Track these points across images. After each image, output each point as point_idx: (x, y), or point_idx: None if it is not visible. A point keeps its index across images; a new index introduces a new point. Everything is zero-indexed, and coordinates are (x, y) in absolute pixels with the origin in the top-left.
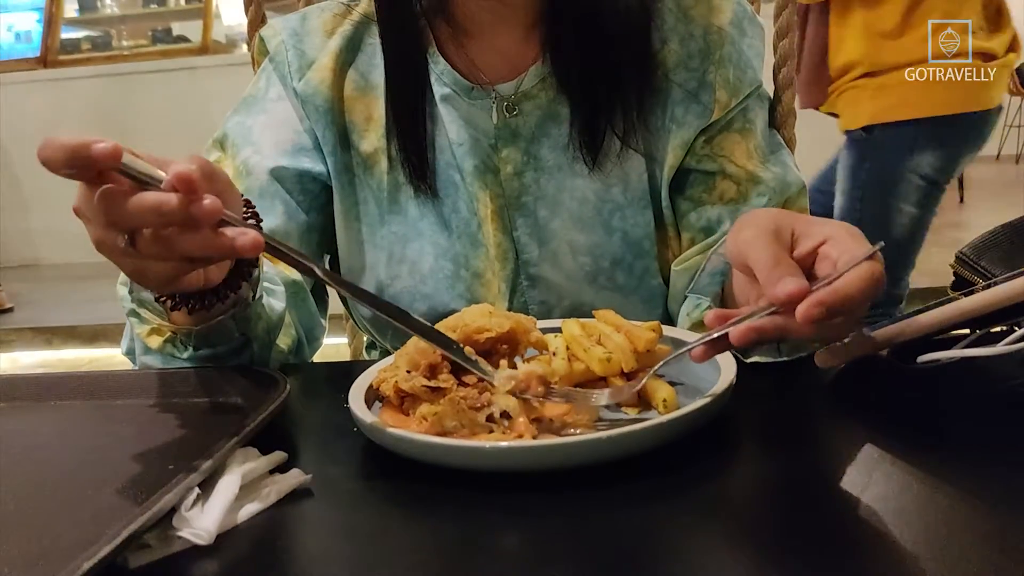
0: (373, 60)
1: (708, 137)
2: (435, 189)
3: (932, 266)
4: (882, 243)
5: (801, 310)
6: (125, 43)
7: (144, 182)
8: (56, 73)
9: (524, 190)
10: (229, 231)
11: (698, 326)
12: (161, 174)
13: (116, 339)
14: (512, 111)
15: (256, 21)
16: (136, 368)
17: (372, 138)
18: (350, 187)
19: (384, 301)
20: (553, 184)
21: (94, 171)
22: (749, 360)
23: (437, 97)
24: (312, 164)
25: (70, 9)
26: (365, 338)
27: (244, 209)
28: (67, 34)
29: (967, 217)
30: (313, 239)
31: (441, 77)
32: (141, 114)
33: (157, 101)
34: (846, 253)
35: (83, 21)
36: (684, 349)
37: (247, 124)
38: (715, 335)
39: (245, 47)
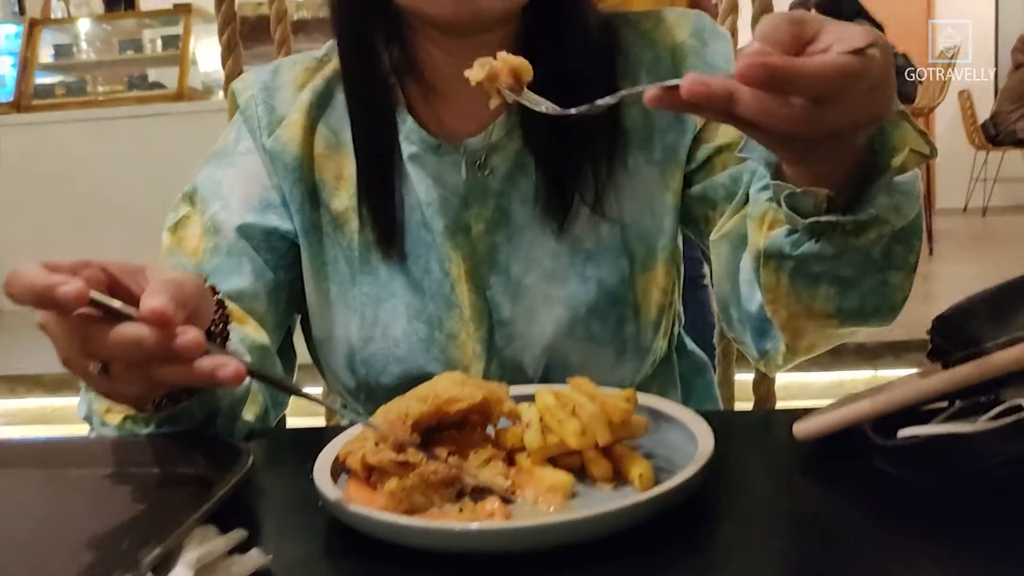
0: (345, 117)
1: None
2: (404, 252)
3: (903, 319)
4: (878, 43)
5: (739, 64)
6: (100, 88)
7: (117, 313)
8: (30, 118)
9: (496, 248)
10: (208, 362)
11: (763, 217)
12: (133, 311)
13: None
14: (482, 168)
15: (234, 73)
16: (93, 434)
17: (343, 197)
18: (319, 245)
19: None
20: (525, 240)
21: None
22: (811, 220)
23: (405, 156)
24: (280, 221)
25: (45, 54)
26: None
27: (215, 309)
28: (42, 79)
29: (937, 269)
30: (282, 298)
31: (409, 135)
32: (115, 159)
33: (132, 147)
34: (842, 43)
35: (58, 66)
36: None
37: (216, 177)
38: (670, 83)
39: (221, 94)
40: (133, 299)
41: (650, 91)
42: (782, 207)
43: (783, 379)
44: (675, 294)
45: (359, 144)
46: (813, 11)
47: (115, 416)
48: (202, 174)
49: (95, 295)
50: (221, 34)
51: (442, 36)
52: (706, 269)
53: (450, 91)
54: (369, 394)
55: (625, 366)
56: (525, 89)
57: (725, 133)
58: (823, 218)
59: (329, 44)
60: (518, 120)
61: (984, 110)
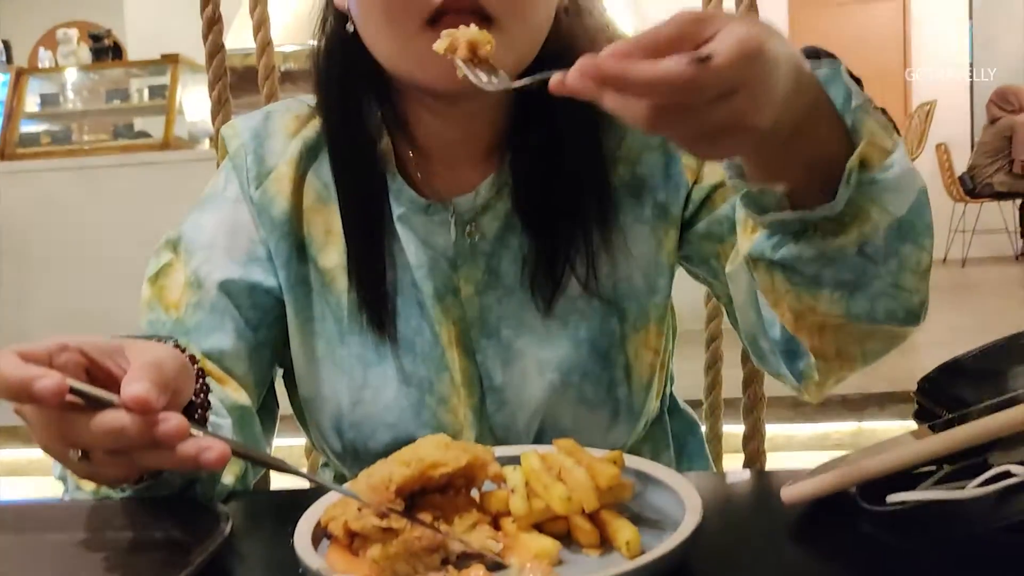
0: None
1: (705, 194)
2: (394, 315)
3: (887, 371)
4: (761, 47)
5: (576, 64)
6: (86, 137)
7: (97, 401)
8: (14, 166)
9: (487, 310)
10: (191, 445)
11: (743, 222)
12: (115, 398)
13: None
14: (472, 228)
15: (220, 101)
16: (67, 495)
17: (332, 253)
18: (306, 300)
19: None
20: (516, 301)
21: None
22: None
23: (395, 216)
24: (264, 277)
25: (32, 103)
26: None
27: (196, 382)
28: (27, 127)
29: None
30: (264, 356)
31: (397, 195)
32: (100, 208)
33: (117, 195)
34: (720, 49)
35: (44, 115)
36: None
37: (202, 223)
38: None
39: (207, 143)
40: (113, 381)
41: (555, 77)
42: (742, 206)
43: (768, 431)
44: (667, 354)
45: (346, 205)
46: None
47: (90, 484)
48: (189, 220)
49: (74, 384)
50: (212, 89)
51: (433, 100)
52: None
53: (440, 152)
54: (356, 458)
55: (618, 428)
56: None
57: (718, 172)
58: (779, 215)
59: None
60: (508, 179)
61: (960, 162)
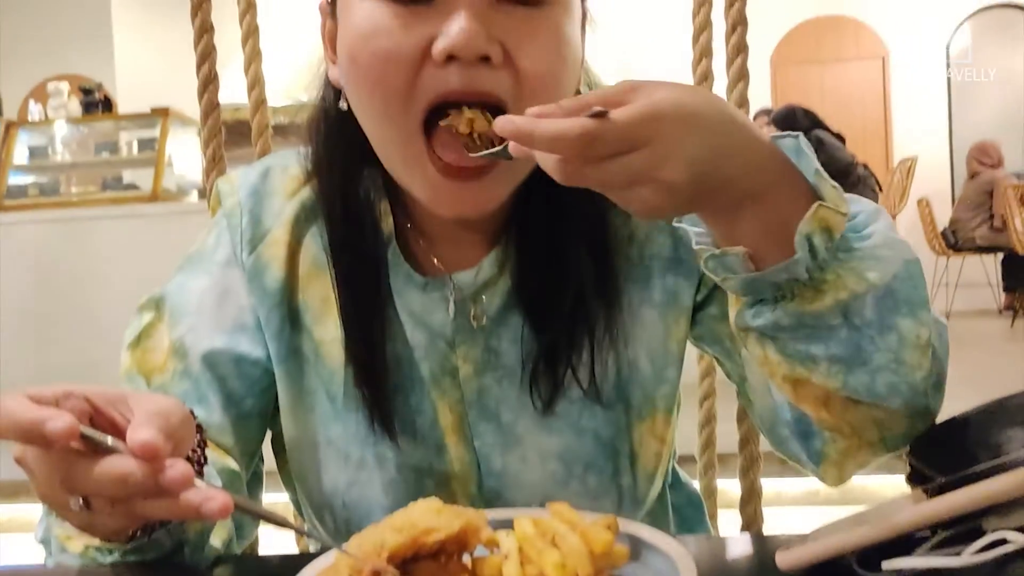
0: None
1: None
2: (392, 395)
3: None
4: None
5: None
6: (74, 189)
7: (103, 447)
8: (3, 218)
9: (485, 392)
10: (194, 495)
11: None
12: (121, 445)
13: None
14: (472, 305)
15: (215, 159)
16: (51, 560)
17: (328, 324)
18: (299, 373)
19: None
20: (515, 384)
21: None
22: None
23: (395, 294)
24: (251, 347)
25: (21, 155)
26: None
27: (196, 436)
28: (16, 179)
29: None
30: (252, 426)
31: (396, 270)
32: (88, 260)
33: (105, 247)
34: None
35: (33, 167)
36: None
37: (188, 286)
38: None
39: (195, 195)
40: (117, 429)
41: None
42: (706, 270)
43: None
44: (672, 436)
45: (342, 279)
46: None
47: (77, 543)
48: (174, 281)
49: (84, 430)
50: (206, 147)
51: None
52: None
53: (440, 239)
54: (348, 535)
55: (621, 515)
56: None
57: None
58: (739, 276)
59: None
60: (511, 255)
61: (942, 216)
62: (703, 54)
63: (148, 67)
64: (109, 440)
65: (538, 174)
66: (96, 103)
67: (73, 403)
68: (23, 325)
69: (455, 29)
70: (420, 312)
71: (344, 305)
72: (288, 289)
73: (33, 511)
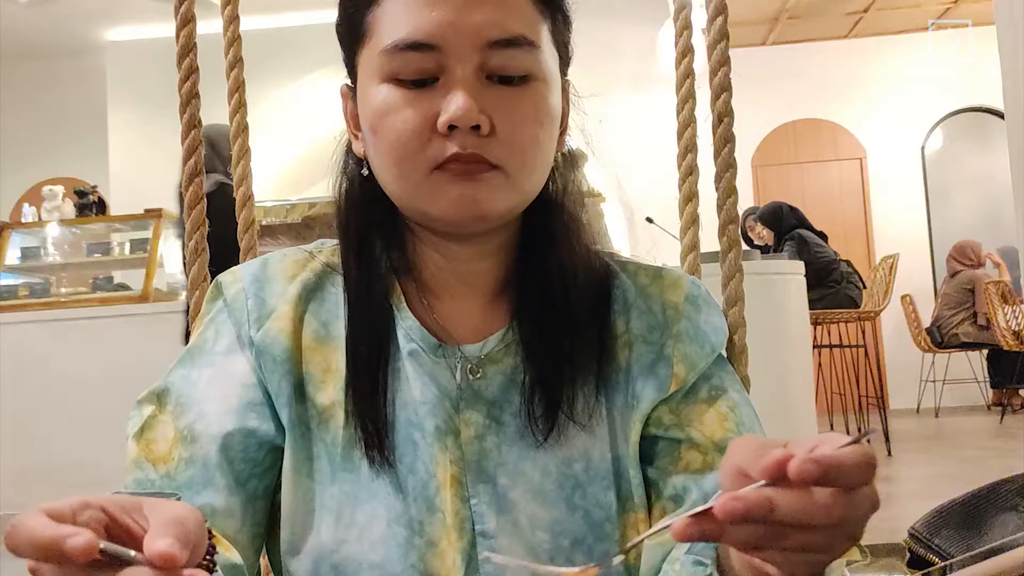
0: (335, 311)
1: (673, 407)
2: (390, 453)
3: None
4: (873, 428)
5: (794, 466)
6: (64, 290)
7: (121, 558)
8: None
9: (484, 455)
10: None
11: None
12: (140, 557)
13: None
14: (476, 373)
15: (199, 277)
16: None
17: (330, 390)
18: (303, 441)
19: None
20: (515, 452)
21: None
22: None
23: (404, 352)
24: (259, 423)
25: (12, 256)
26: None
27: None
28: (6, 280)
29: (897, 471)
30: (258, 509)
31: (409, 333)
32: (77, 360)
33: (94, 347)
34: (833, 444)
35: (24, 268)
36: (664, 523)
37: (192, 378)
38: (698, 509)
39: (183, 296)
40: (133, 537)
41: (677, 524)
42: None
43: None
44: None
45: (353, 341)
46: (758, 225)
47: None
48: (175, 375)
49: (104, 544)
50: (189, 239)
51: (440, 240)
52: None
53: (447, 293)
54: None
55: None
56: None
57: (702, 425)
58: None
59: (319, 241)
60: (516, 337)
61: (925, 312)
62: (688, 148)
63: (142, 169)
64: (131, 553)
65: (537, 238)
66: (90, 205)
67: (90, 515)
68: (10, 424)
69: (453, 106)
70: (431, 372)
71: (353, 360)
72: (294, 360)
73: None
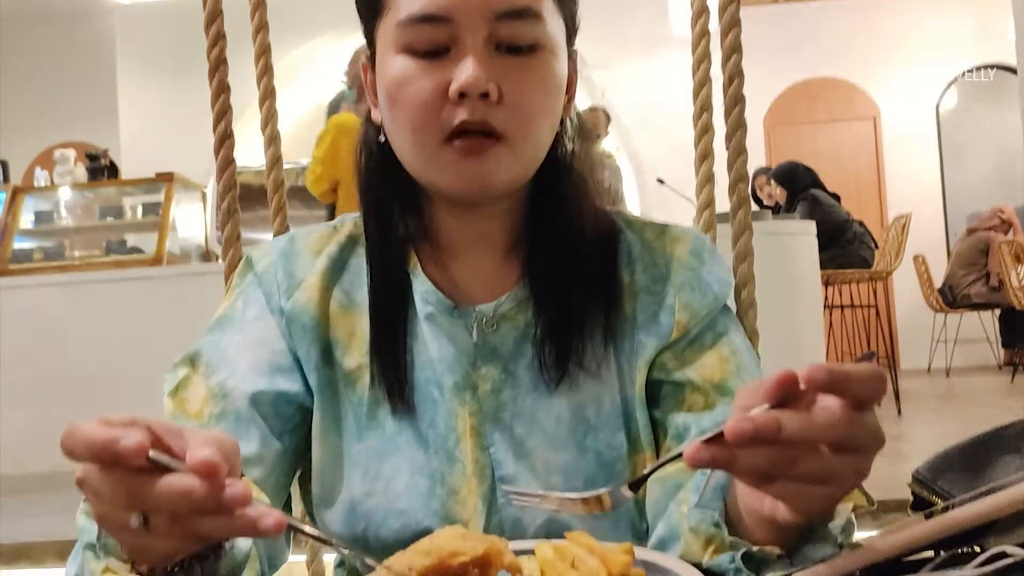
0: (357, 279)
1: (677, 353)
2: (412, 406)
3: (878, 479)
4: (873, 352)
5: (804, 372)
6: (78, 253)
7: (168, 468)
8: (6, 282)
9: (502, 407)
10: (251, 511)
11: (709, 540)
12: (183, 466)
13: (41, 559)
14: (491, 327)
15: (232, 237)
16: None
17: (355, 354)
18: (332, 402)
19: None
20: (530, 402)
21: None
22: None
23: (421, 315)
24: (289, 384)
25: (26, 220)
26: (334, 556)
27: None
28: (20, 244)
29: (907, 429)
30: (286, 463)
31: (426, 296)
32: (91, 323)
33: (108, 310)
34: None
35: (38, 232)
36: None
37: (222, 344)
38: (709, 434)
39: (197, 260)
40: (175, 457)
41: (689, 449)
42: (737, 561)
43: None
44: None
45: (375, 303)
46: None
47: None
48: (206, 341)
49: (153, 454)
50: (221, 200)
51: (454, 204)
52: None
53: (462, 253)
54: (366, 547)
55: (622, 538)
56: None
57: (703, 368)
58: (775, 574)
59: (340, 216)
60: (528, 293)
61: (938, 272)
62: (704, 108)
63: (152, 133)
64: (171, 461)
65: (547, 197)
66: (102, 169)
67: (137, 430)
68: (25, 387)
69: (464, 74)
70: (448, 331)
71: (375, 321)
72: (321, 327)
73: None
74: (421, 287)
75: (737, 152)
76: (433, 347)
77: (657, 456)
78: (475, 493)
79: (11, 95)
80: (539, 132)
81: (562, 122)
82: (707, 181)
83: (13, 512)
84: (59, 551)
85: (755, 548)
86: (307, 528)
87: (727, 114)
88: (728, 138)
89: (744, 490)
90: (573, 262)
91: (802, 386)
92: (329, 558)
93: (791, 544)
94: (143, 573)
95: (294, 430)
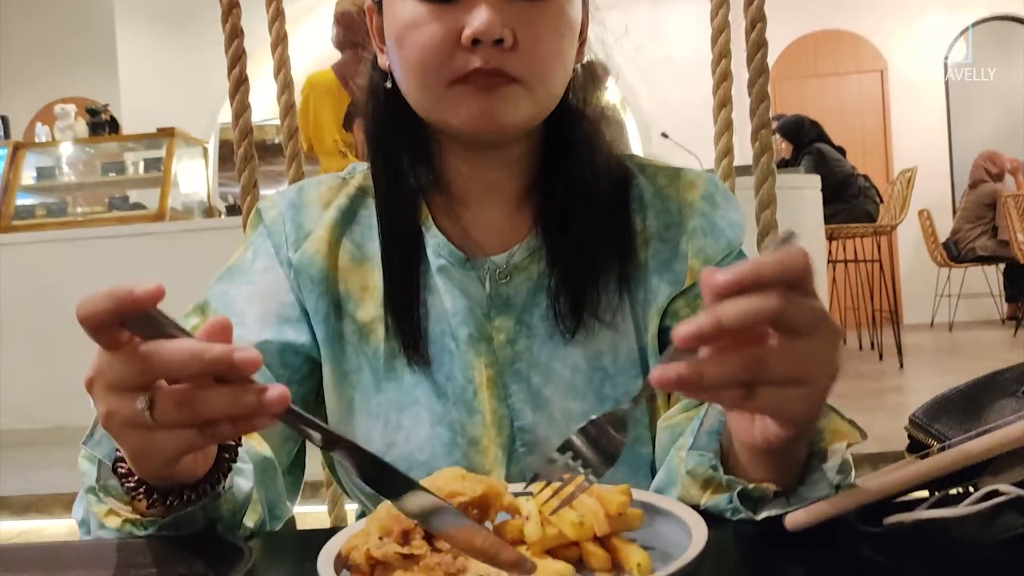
0: (368, 231)
1: (691, 300)
2: (428, 358)
3: (879, 431)
4: (791, 231)
5: (716, 280)
6: (80, 209)
7: (177, 333)
8: (9, 238)
9: (517, 357)
10: (257, 387)
11: (707, 483)
12: (191, 334)
13: (50, 510)
14: (504, 279)
15: (249, 183)
16: (88, 536)
17: (369, 307)
18: (342, 355)
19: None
20: (545, 352)
21: (131, 317)
22: (760, 516)
23: (433, 268)
24: (296, 335)
25: (27, 177)
26: (356, 507)
27: None
28: (23, 200)
29: (908, 382)
30: None
31: (437, 249)
32: (94, 279)
33: (111, 267)
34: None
35: (40, 188)
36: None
37: (231, 294)
38: (666, 356)
39: (200, 215)
40: None
41: (654, 372)
42: (735, 501)
43: None
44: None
45: (387, 256)
46: (777, 136)
47: (114, 519)
48: (214, 290)
49: (161, 313)
50: (238, 146)
51: (465, 149)
52: None
53: (474, 202)
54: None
55: (640, 485)
56: None
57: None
58: (772, 512)
59: (351, 166)
60: (540, 243)
61: (943, 226)
62: (722, 54)
63: (153, 88)
64: (177, 323)
65: (559, 144)
66: (103, 124)
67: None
68: (29, 343)
69: (477, 20)
70: (461, 284)
71: (389, 274)
72: (330, 280)
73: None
74: (433, 240)
75: (760, 98)
76: (447, 299)
77: (669, 405)
78: (495, 443)
79: (11, 49)
80: (554, 77)
81: (574, 68)
82: (726, 128)
83: (22, 465)
84: (67, 503)
85: (751, 485)
86: (310, 417)
87: (749, 59)
88: (751, 84)
89: (735, 423)
90: (587, 210)
91: (719, 291)
92: (351, 507)
93: (787, 486)
94: (143, 513)
95: (302, 381)
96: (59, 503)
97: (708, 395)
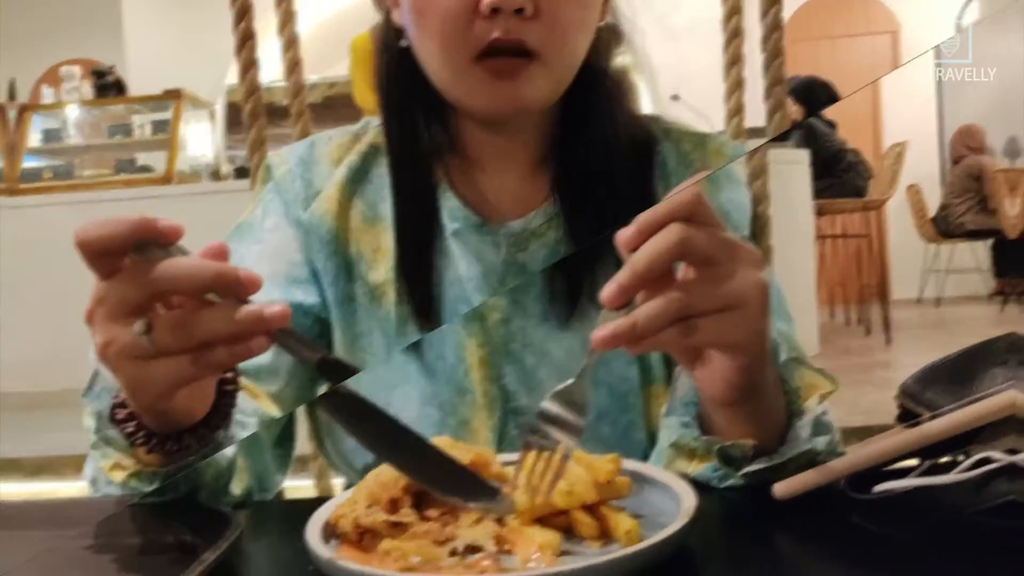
0: (381, 192)
1: None
2: (441, 326)
3: (867, 404)
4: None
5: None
6: (87, 172)
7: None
8: (16, 201)
9: (511, 337)
10: (256, 306)
11: (691, 453)
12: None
13: (61, 472)
14: (519, 247)
15: (257, 141)
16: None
17: (381, 269)
18: (352, 317)
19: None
20: (540, 333)
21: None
22: (742, 472)
23: (448, 232)
24: (304, 296)
25: (34, 139)
26: (343, 481)
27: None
28: (29, 163)
29: (895, 357)
30: (299, 371)
31: (452, 212)
32: None
33: None
34: None
35: (47, 151)
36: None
37: (240, 252)
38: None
39: (207, 178)
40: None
41: (592, 338)
42: (720, 467)
43: None
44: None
45: (401, 220)
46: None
47: (119, 473)
48: None
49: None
50: (245, 102)
51: (480, 118)
52: None
53: (490, 166)
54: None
55: None
56: None
57: None
58: (753, 468)
59: (364, 120)
60: (558, 209)
61: (933, 201)
62: (734, 10)
63: (159, 49)
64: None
65: (577, 109)
66: (109, 86)
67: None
68: (37, 306)
69: None
70: (476, 249)
71: (402, 241)
72: (341, 240)
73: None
74: (448, 203)
75: (774, 54)
76: (462, 265)
77: (669, 385)
78: (486, 425)
79: (15, 11)
80: (575, 48)
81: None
82: (737, 87)
83: (33, 427)
84: (78, 464)
85: (729, 443)
86: (302, 336)
87: (763, 14)
88: (765, 40)
89: (699, 381)
90: (607, 177)
91: (626, 245)
92: (337, 481)
93: (769, 447)
94: (145, 463)
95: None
96: (72, 464)
97: (648, 343)
